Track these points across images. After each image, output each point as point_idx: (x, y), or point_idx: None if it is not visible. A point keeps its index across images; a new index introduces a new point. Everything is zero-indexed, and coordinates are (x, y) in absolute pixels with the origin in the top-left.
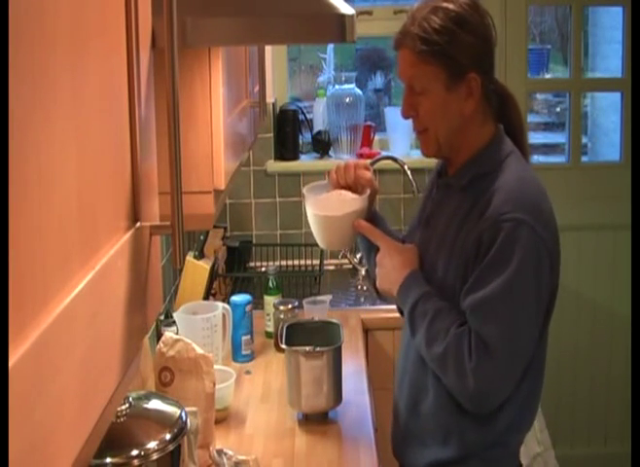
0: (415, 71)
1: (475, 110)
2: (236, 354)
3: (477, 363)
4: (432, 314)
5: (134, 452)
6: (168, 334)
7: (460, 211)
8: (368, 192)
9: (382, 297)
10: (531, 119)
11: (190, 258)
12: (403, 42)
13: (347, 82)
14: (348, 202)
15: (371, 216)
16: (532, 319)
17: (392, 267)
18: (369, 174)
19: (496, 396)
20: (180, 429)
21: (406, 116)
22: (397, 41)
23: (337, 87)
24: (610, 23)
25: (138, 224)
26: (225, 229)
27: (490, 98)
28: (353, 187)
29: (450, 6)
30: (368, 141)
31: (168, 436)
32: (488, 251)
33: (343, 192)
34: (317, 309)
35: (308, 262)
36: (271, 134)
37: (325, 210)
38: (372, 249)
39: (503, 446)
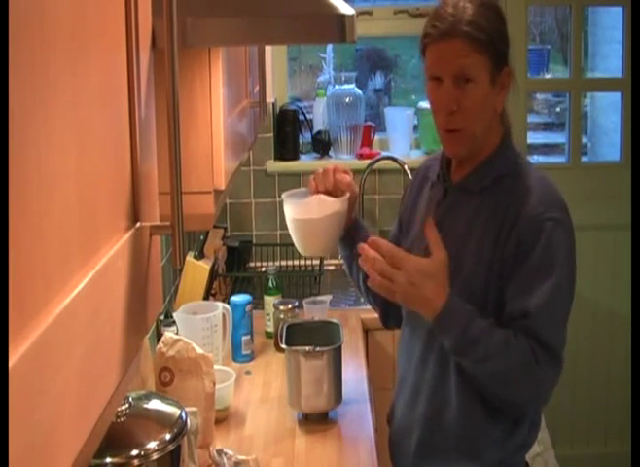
0: (468, 61)
1: (501, 108)
2: (236, 354)
3: (543, 368)
4: (485, 336)
5: (134, 452)
6: (168, 334)
7: (482, 213)
8: (347, 195)
9: (371, 298)
10: (531, 119)
11: (190, 258)
12: (455, 29)
13: (347, 82)
14: (327, 205)
15: (352, 222)
16: (567, 319)
17: (422, 294)
18: (348, 178)
19: (555, 384)
20: (180, 429)
21: (449, 110)
22: (447, 30)
23: (337, 87)
24: (610, 23)
25: (138, 224)
26: (225, 229)
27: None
28: (333, 192)
29: (494, 2)
30: (368, 141)
31: (168, 436)
32: (530, 251)
33: (322, 196)
34: (317, 309)
35: (308, 262)
36: (271, 134)
37: (304, 214)
38: (352, 258)
39: (526, 447)
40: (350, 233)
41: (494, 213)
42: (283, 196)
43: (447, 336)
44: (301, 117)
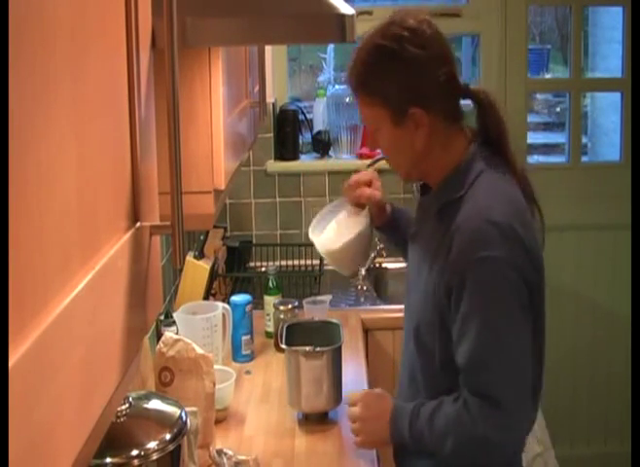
0: (365, 111)
1: (431, 138)
2: (236, 354)
3: (477, 420)
4: (428, 429)
5: (134, 452)
6: (168, 334)
7: (435, 238)
8: (365, 210)
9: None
10: (531, 119)
11: (190, 258)
12: (350, 84)
13: None
14: (346, 232)
15: (386, 220)
16: (525, 343)
17: (374, 414)
18: (367, 191)
19: (522, 426)
20: (180, 429)
21: (372, 150)
22: (347, 83)
23: (337, 87)
24: (610, 23)
25: (138, 224)
26: (225, 229)
27: (454, 117)
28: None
29: (383, 41)
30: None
31: (168, 436)
32: (458, 302)
33: (342, 219)
34: (317, 309)
35: (308, 262)
36: (271, 134)
37: (324, 246)
38: (396, 244)
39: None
40: (390, 230)
41: (441, 242)
42: (310, 228)
43: (402, 431)
44: (301, 117)
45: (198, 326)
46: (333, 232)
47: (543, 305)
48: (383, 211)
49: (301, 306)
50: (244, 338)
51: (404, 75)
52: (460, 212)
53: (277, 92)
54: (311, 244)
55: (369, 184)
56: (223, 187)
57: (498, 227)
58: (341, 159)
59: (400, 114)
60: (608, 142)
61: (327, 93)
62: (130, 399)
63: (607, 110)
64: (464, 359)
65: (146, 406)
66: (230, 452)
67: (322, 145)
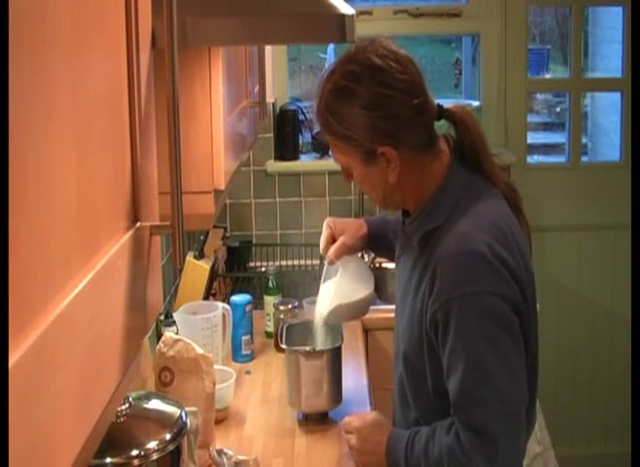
0: (334, 150)
1: (405, 171)
2: (236, 354)
3: (466, 451)
4: (424, 460)
5: (134, 452)
6: (168, 334)
7: (418, 266)
8: (338, 273)
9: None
10: (531, 119)
11: (190, 258)
12: (316, 120)
13: None
14: (334, 299)
15: (365, 242)
16: (516, 375)
17: (373, 441)
18: (334, 249)
19: (516, 455)
20: (180, 429)
21: (347, 182)
22: (314, 119)
23: None
24: (610, 23)
25: (138, 224)
26: (225, 229)
27: (428, 145)
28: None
29: (345, 82)
30: None
31: (168, 436)
32: (446, 332)
33: (322, 295)
34: None
35: (308, 262)
36: (271, 134)
37: (322, 311)
38: (376, 248)
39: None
40: (374, 247)
41: (424, 271)
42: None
43: (399, 461)
44: (301, 117)
45: (198, 326)
46: (323, 299)
47: (535, 325)
48: (360, 238)
49: (301, 306)
50: (244, 338)
51: (368, 117)
52: (442, 242)
53: (277, 92)
54: (311, 244)
55: (332, 240)
56: (223, 187)
57: (481, 257)
58: None
59: (369, 154)
60: (608, 142)
61: None
62: (130, 399)
63: (607, 110)
64: (454, 394)
65: (146, 406)
66: (230, 452)
67: (322, 145)
